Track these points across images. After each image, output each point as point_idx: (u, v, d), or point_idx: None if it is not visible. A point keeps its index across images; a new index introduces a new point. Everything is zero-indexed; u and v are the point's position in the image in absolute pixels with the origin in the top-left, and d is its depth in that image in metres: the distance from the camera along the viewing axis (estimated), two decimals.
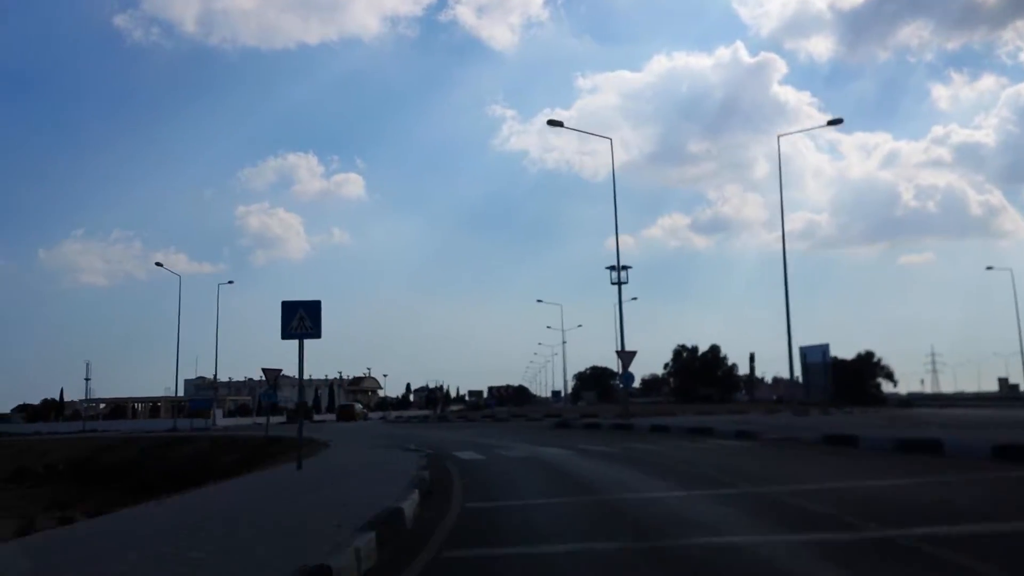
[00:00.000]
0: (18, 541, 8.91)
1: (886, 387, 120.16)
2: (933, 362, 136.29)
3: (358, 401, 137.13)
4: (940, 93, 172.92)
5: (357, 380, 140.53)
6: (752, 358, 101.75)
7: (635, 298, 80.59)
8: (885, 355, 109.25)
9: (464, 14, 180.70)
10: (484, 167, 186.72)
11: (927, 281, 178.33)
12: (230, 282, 72.85)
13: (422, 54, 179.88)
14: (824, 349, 33.58)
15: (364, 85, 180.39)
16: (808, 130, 50.03)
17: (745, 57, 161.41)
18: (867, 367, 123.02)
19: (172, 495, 13.64)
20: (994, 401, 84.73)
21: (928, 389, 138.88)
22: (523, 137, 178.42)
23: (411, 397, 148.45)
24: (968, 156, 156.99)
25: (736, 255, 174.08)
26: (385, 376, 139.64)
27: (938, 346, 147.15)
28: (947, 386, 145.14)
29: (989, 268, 62.17)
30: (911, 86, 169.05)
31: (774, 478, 12.77)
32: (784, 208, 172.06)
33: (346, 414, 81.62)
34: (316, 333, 14.36)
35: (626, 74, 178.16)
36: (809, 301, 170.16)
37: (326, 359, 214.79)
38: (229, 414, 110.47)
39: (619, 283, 36.77)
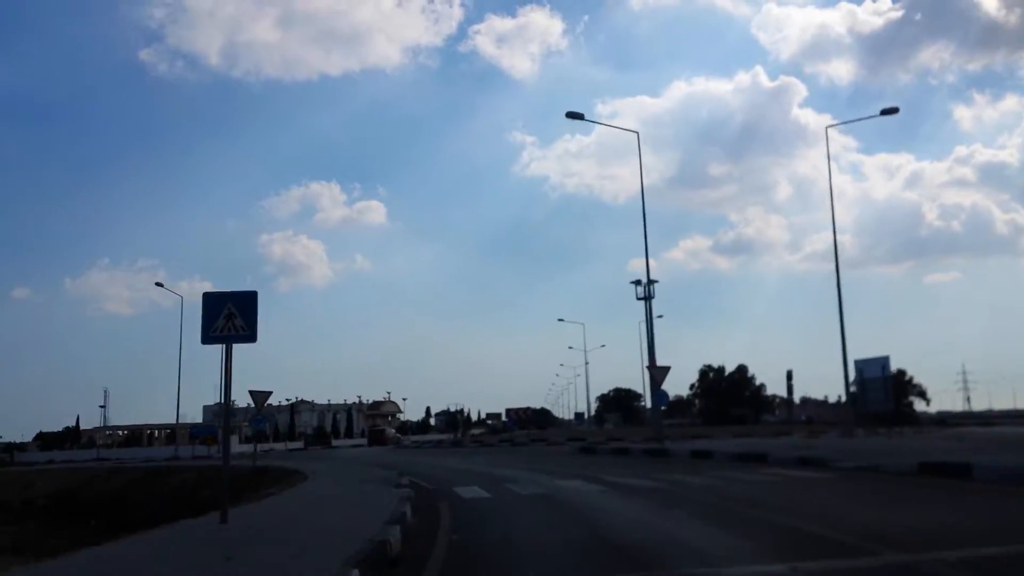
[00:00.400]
0: None
1: (918, 405, 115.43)
2: (964, 380, 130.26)
3: (379, 426, 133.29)
4: (962, 114, 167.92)
5: (376, 404, 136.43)
6: (790, 376, 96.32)
7: (661, 316, 76.56)
8: (916, 374, 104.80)
9: (484, 44, 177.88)
10: (504, 193, 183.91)
11: (954, 300, 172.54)
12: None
13: (442, 84, 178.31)
14: (884, 362, 29.18)
15: (386, 115, 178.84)
16: (859, 120, 45.35)
17: (765, 81, 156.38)
18: (899, 386, 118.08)
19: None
20: None
21: (959, 407, 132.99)
22: (543, 163, 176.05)
23: (431, 421, 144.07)
24: (992, 175, 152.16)
25: (759, 277, 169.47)
26: (404, 400, 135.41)
27: (969, 364, 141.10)
28: (979, 404, 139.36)
29: None
30: (933, 108, 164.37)
31: (911, 532, 8.53)
32: (808, 228, 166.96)
33: (378, 439, 78.35)
34: (250, 335, 10.31)
35: (646, 99, 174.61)
36: (835, 321, 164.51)
37: (345, 383, 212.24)
38: (246, 440, 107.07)
39: (647, 296, 32.62)
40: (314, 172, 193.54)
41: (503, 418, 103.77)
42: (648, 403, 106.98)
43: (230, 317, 10.16)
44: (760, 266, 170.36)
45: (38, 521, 31.04)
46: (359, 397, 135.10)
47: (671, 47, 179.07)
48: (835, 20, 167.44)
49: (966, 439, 28.75)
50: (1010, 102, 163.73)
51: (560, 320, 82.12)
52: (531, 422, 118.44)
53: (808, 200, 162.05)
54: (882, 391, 29.94)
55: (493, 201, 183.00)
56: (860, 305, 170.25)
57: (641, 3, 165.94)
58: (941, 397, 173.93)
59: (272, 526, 10.05)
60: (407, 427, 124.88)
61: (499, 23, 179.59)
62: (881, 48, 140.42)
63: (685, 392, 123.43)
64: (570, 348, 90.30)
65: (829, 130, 35.26)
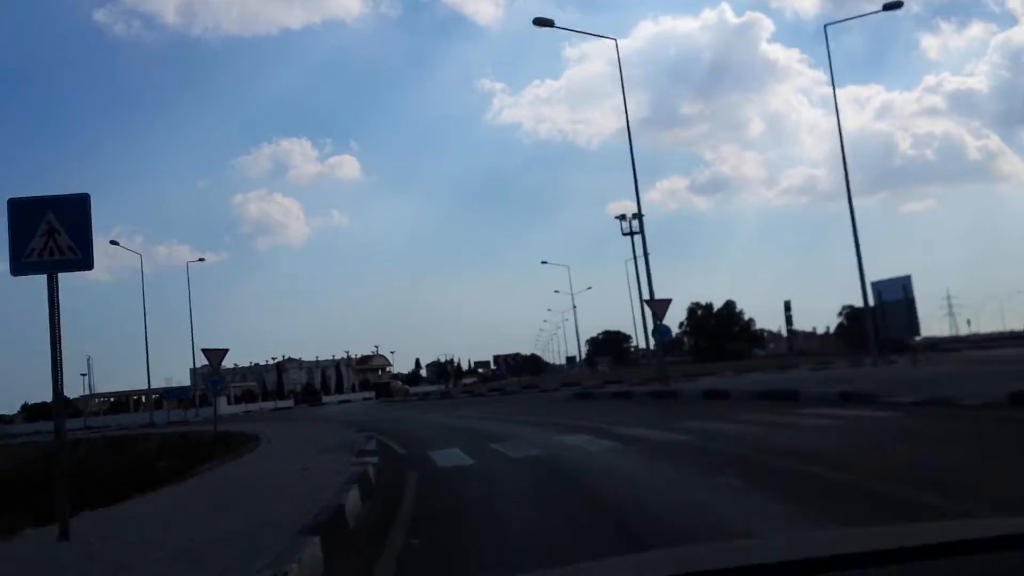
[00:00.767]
0: None
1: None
2: (950, 305, 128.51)
3: (383, 379, 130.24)
4: (930, 43, 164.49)
5: (365, 359, 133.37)
6: (788, 306, 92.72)
7: (648, 253, 73.59)
8: None
9: None
10: (478, 141, 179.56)
11: (932, 227, 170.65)
12: (201, 259, 64.02)
13: (407, 33, 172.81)
14: (905, 283, 25.89)
15: (351, 67, 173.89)
16: (861, 16, 41.15)
17: (731, 18, 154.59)
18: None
19: None
20: None
21: (945, 333, 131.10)
22: (514, 110, 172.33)
23: (422, 372, 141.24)
24: (962, 103, 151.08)
25: (737, 214, 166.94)
26: (393, 353, 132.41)
27: (953, 290, 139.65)
28: (964, 329, 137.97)
29: None
30: (900, 38, 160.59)
31: None
32: (783, 163, 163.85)
33: (385, 392, 76.14)
34: (83, 260, 6.70)
35: (613, 41, 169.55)
36: (814, 254, 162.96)
37: (333, 340, 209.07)
38: (236, 401, 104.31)
39: (640, 228, 29.11)
40: (283, 129, 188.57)
41: (492, 366, 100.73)
42: (641, 342, 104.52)
43: (51, 234, 6.55)
44: (738, 203, 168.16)
45: None
46: (347, 352, 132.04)
47: None
48: None
49: (997, 362, 25.68)
50: (976, 29, 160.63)
51: (543, 263, 78.35)
52: (522, 369, 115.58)
53: (781, 135, 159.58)
54: (904, 314, 26.62)
55: (467, 150, 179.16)
56: (838, 237, 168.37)
57: None
58: (928, 323, 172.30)
59: (132, 542, 6.60)
60: (399, 379, 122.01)
61: None
62: None
63: (674, 331, 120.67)
64: (556, 292, 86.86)
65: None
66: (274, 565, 4.87)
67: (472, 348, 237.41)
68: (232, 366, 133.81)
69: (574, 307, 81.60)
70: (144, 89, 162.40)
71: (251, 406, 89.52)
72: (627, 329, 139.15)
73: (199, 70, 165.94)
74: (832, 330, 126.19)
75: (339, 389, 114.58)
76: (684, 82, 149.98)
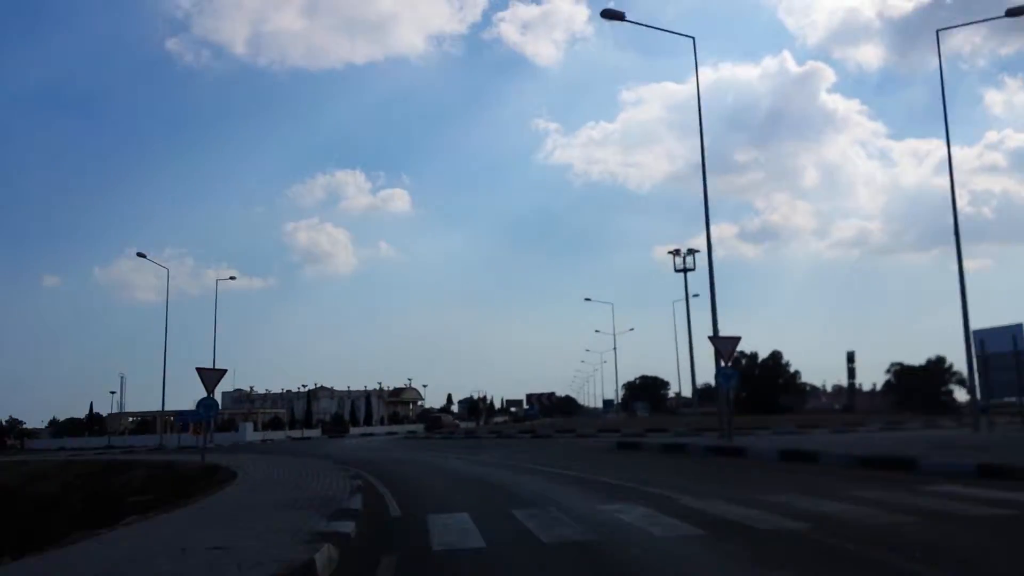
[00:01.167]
0: None
1: (959, 394, 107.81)
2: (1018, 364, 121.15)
3: (397, 411, 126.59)
4: (994, 98, 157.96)
5: (397, 391, 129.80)
6: (851, 358, 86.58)
7: (696, 295, 69.35)
8: (955, 362, 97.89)
9: (508, 31, 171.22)
10: (528, 181, 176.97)
11: (987, 287, 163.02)
12: (232, 278, 60.80)
13: (467, 71, 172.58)
14: (1015, 331, 21.39)
15: (410, 103, 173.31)
16: (982, 21, 36.53)
17: (792, 67, 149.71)
18: (937, 373, 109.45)
19: None
20: None
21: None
22: (567, 150, 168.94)
23: (453, 408, 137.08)
24: None
25: (785, 264, 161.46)
26: (425, 387, 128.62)
27: None
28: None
29: None
30: (964, 92, 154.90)
31: None
32: (835, 215, 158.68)
33: (436, 425, 72.78)
34: None
35: (671, 86, 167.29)
36: (864, 309, 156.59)
37: (366, 370, 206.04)
38: (265, 427, 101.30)
39: (709, 250, 25.01)
40: (339, 160, 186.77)
41: (524, 404, 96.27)
42: (682, 389, 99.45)
43: None
44: (787, 253, 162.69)
45: None
46: (379, 384, 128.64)
47: (697, 32, 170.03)
48: (864, 4, 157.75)
49: None
50: None
51: (587, 300, 74.35)
52: (555, 409, 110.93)
53: (836, 186, 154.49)
54: (1013, 369, 22.23)
55: (516, 189, 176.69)
56: (889, 293, 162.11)
57: None
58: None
59: None
60: (428, 415, 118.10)
61: (524, 10, 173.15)
62: (911, 32, 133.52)
63: (715, 381, 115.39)
64: (597, 332, 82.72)
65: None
66: None
67: (505, 386, 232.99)
68: (264, 392, 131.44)
69: (615, 349, 77.43)
70: (209, 116, 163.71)
71: (276, 434, 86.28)
72: (665, 375, 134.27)
73: (263, 100, 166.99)
74: (878, 387, 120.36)
75: (368, 420, 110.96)
76: (740, 129, 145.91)
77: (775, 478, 13.52)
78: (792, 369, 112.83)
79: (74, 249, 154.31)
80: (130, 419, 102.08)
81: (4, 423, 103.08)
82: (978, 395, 24.64)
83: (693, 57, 24.87)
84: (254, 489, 13.87)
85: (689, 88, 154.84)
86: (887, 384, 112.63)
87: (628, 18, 25.27)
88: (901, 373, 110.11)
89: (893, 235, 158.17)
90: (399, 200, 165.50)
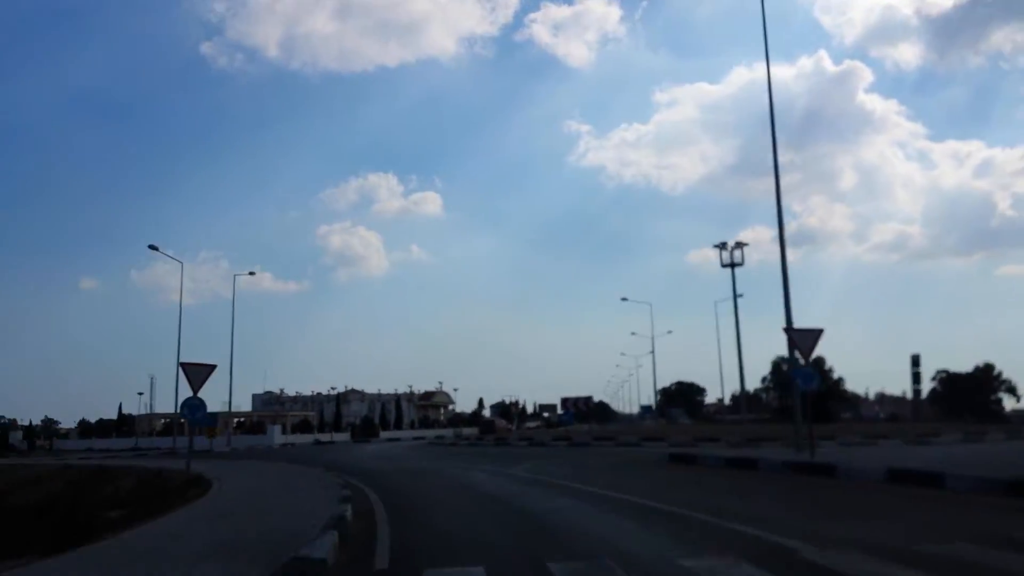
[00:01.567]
0: None
1: (1007, 402, 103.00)
2: None
3: (428, 415, 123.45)
4: None
5: (428, 395, 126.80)
6: (916, 362, 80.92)
7: (741, 295, 65.81)
8: (1004, 368, 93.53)
9: (540, 32, 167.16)
10: (560, 183, 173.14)
11: None
12: (251, 273, 57.59)
13: (498, 73, 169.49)
14: None
15: (442, 105, 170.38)
16: None
17: (829, 66, 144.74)
18: (986, 381, 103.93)
19: None
20: None
21: None
22: (600, 152, 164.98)
23: (485, 413, 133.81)
24: None
25: (823, 268, 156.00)
26: (456, 390, 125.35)
27: None
28: None
29: None
30: (1005, 92, 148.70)
31: None
32: (874, 218, 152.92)
33: (490, 430, 70.72)
34: None
35: (705, 86, 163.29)
36: (904, 314, 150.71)
37: (397, 373, 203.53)
38: (294, 430, 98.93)
39: (781, 234, 21.43)
40: (372, 163, 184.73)
41: (558, 410, 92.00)
42: (721, 394, 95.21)
43: None
44: (824, 257, 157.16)
45: None
46: (410, 387, 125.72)
47: (731, 32, 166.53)
48: (902, 2, 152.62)
49: None
50: None
51: (624, 299, 70.46)
52: (589, 415, 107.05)
53: (874, 189, 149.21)
54: None
55: (549, 191, 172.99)
56: (930, 298, 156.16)
57: None
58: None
59: None
60: (459, 419, 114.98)
61: (556, 11, 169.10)
62: (950, 30, 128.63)
63: (755, 386, 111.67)
64: (633, 334, 78.77)
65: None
66: None
67: (537, 391, 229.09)
68: (294, 394, 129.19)
69: (652, 352, 73.47)
70: (243, 119, 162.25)
71: (304, 437, 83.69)
72: (700, 381, 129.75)
73: (296, 103, 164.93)
74: (920, 395, 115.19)
75: (398, 424, 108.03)
76: (776, 130, 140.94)
77: (902, 511, 9.92)
78: (836, 376, 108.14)
79: (111, 252, 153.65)
80: (162, 420, 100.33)
81: (35, 423, 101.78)
82: None
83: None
84: (207, 517, 10.58)
85: (724, 88, 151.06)
86: (933, 392, 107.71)
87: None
88: (948, 381, 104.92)
89: (933, 239, 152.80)
90: (431, 203, 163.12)
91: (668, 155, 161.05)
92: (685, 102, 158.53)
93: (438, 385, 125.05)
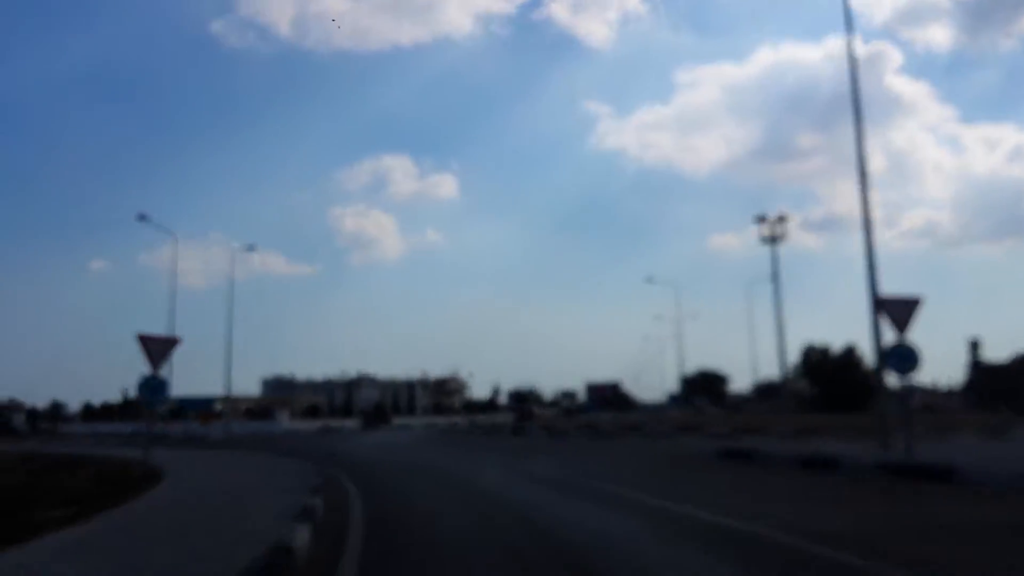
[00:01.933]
0: None
1: None
2: None
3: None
4: None
5: (442, 381, 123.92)
6: (975, 346, 77.01)
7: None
8: None
9: (558, 12, 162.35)
10: (579, 165, 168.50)
11: None
12: (250, 248, 54.00)
13: (516, 53, 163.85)
14: None
15: (457, 85, 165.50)
16: None
17: (857, 47, 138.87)
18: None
19: None
20: None
21: None
22: (620, 135, 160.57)
23: (499, 399, 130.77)
24: None
25: (851, 255, 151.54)
26: (471, 375, 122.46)
27: None
28: None
29: None
30: None
31: None
32: (904, 204, 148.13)
33: (528, 416, 67.79)
34: None
35: (729, 67, 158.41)
36: (934, 303, 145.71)
37: (410, 359, 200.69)
38: (304, 415, 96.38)
39: (862, 168, 17.86)
40: (386, 144, 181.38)
41: (579, 397, 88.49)
42: (742, 383, 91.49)
43: None
44: (852, 244, 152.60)
45: None
46: (423, 372, 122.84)
47: (756, 11, 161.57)
48: None
49: None
50: None
51: (649, 281, 66.99)
52: (611, 403, 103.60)
53: (904, 174, 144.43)
54: None
55: (567, 174, 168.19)
56: (961, 286, 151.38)
57: None
58: None
59: None
60: (473, 405, 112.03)
61: None
62: (982, 12, 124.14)
63: (782, 375, 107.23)
64: (657, 318, 75.31)
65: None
66: None
67: (554, 377, 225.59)
68: (305, 379, 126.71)
69: (676, 337, 69.97)
70: (254, 98, 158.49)
71: (313, 423, 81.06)
72: (725, 367, 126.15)
73: (308, 82, 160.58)
74: (951, 387, 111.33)
75: (411, 410, 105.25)
76: (801, 113, 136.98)
77: None
78: (870, 365, 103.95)
79: (120, 234, 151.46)
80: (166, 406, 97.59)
81: (35, 407, 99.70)
82: None
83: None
84: (105, 537, 7.35)
85: (748, 69, 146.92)
86: (968, 382, 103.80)
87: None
88: (983, 371, 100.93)
89: (963, 226, 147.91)
90: (447, 185, 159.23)
91: (690, 138, 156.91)
92: (708, 83, 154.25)
93: (453, 371, 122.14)
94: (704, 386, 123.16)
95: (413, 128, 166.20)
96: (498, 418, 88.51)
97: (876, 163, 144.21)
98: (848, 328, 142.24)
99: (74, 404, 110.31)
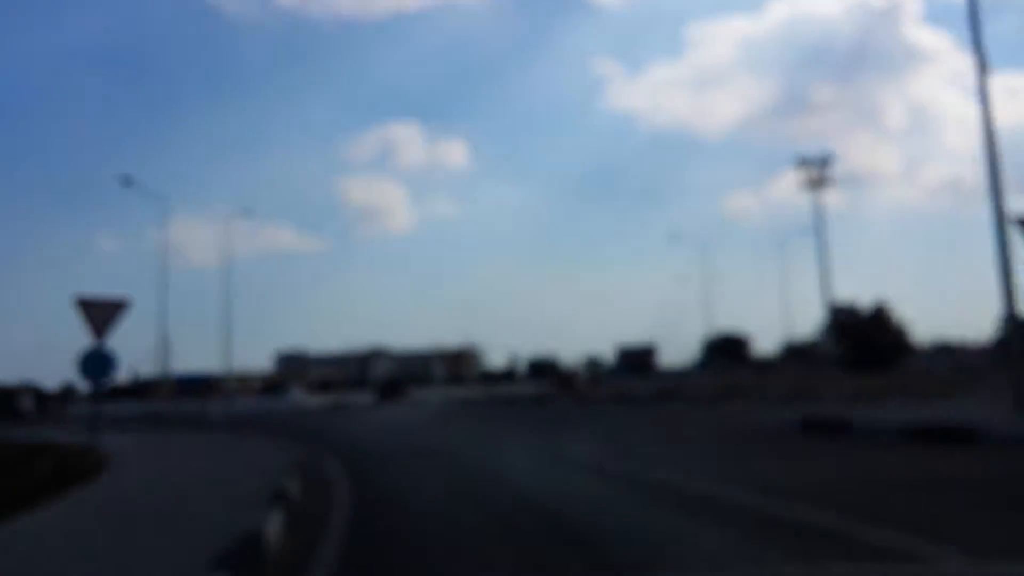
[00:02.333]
0: None
1: None
2: None
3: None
4: None
5: (458, 353, 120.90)
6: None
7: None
8: None
9: None
10: (590, 127, 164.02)
11: None
12: (246, 213, 50.99)
13: (521, 14, 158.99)
14: None
15: (464, 50, 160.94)
16: None
17: None
18: None
19: None
20: None
21: None
22: (631, 96, 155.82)
23: (517, 369, 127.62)
24: None
25: (871, 210, 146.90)
26: (487, 346, 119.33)
27: None
28: None
29: None
30: None
31: None
32: (924, 157, 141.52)
33: (567, 386, 63.97)
34: None
35: (742, 22, 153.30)
36: (958, 260, 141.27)
37: (425, 330, 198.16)
38: (319, 388, 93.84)
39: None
40: (393, 113, 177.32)
41: (604, 363, 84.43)
42: (765, 345, 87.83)
43: None
44: (871, 200, 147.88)
45: None
46: (439, 344, 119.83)
47: None
48: None
49: None
50: None
51: (673, 239, 63.63)
52: (636, 369, 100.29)
53: (924, 126, 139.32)
54: None
55: (578, 136, 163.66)
56: (986, 241, 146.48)
57: None
58: None
59: None
60: (491, 376, 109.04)
61: None
62: None
63: (813, 335, 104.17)
64: (679, 278, 71.71)
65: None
66: None
67: (572, 345, 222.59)
68: (319, 354, 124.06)
69: (701, 299, 66.56)
70: (258, 69, 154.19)
71: (325, 398, 78.44)
72: (745, 331, 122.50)
73: (313, 51, 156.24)
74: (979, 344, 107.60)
75: (427, 382, 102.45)
76: (818, 67, 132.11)
77: None
78: (898, 323, 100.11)
79: (128, 212, 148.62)
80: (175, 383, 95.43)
81: (44, 389, 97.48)
82: None
83: None
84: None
85: (763, 24, 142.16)
86: (999, 342, 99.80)
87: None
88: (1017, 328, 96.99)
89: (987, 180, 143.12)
90: (456, 152, 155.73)
91: (705, 95, 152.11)
92: (720, 39, 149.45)
93: (468, 342, 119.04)
94: (726, 349, 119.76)
95: (421, 95, 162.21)
96: (517, 389, 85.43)
97: (894, 116, 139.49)
98: (873, 286, 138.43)
99: (84, 386, 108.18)
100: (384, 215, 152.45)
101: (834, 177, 50.76)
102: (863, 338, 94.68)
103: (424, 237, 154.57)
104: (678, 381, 68.01)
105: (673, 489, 7.97)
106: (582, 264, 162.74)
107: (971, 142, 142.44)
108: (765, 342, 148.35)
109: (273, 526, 6.14)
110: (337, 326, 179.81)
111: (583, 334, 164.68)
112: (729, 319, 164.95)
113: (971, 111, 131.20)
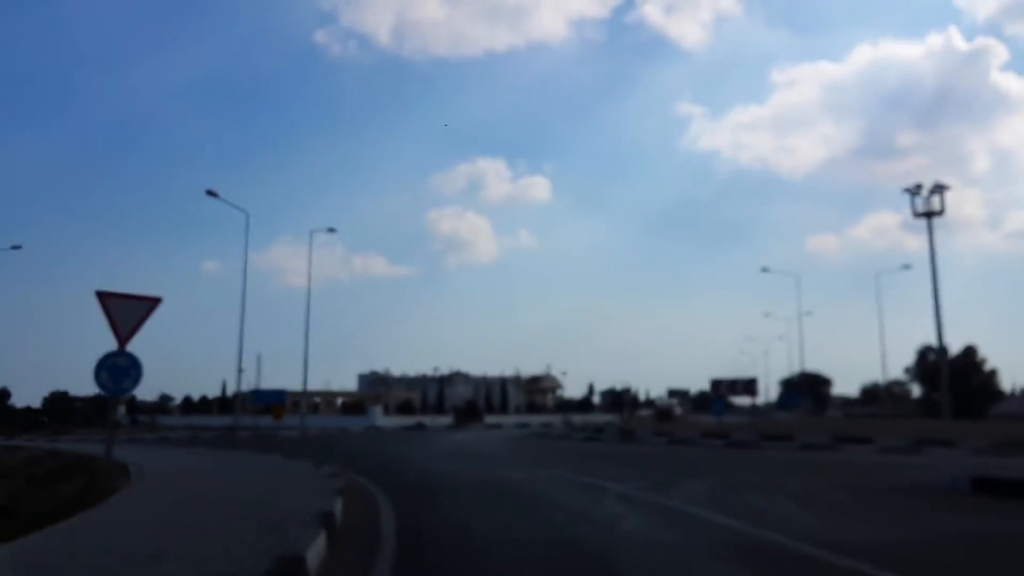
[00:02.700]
0: None
1: None
2: None
3: (535, 399, 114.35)
4: None
5: (535, 379, 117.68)
6: None
7: (909, 266, 55.00)
8: None
9: (651, 13, 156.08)
10: (672, 167, 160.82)
11: None
12: (331, 230, 49.21)
13: (608, 56, 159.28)
14: None
15: (551, 89, 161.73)
16: None
17: (960, 43, 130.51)
18: None
19: None
20: None
21: None
22: (714, 136, 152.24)
23: (594, 398, 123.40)
24: None
25: (954, 256, 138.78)
26: (564, 374, 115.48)
27: None
28: None
29: None
30: None
31: None
32: (1009, 204, 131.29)
33: (666, 418, 64.45)
34: None
35: (826, 65, 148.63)
36: None
37: (503, 357, 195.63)
38: (399, 410, 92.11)
39: None
40: (480, 148, 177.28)
41: (705, 393, 78.54)
42: (844, 389, 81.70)
43: None
44: (955, 244, 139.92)
45: None
46: (517, 370, 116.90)
47: (855, 7, 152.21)
48: None
49: None
50: None
51: (764, 270, 60.01)
52: (700, 406, 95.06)
53: (1010, 173, 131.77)
54: None
55: (660, 175, 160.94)
56: None
57: None
58: None
59: None
60: (568, 404, 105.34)
61: None
62: None
63: (900, 377, 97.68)
64: (767, 316, 67.22)
65: None
66: None
67: (648, 378, 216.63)
68: (399, 375, 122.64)
69: (795, 330, 61.90)
70: (355, 106, 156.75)
71: (406, 419, 76.41)
72: (828, 371, 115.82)
73: (406, 89, 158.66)
74: None
75: (504, 408, 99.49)
76: (902, 111, 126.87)
77: None
78: (988, 368, 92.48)
79: (232, 237, 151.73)
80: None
81: (139, 399, 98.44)
82: None
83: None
84: None
85: (847, 68, 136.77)
86: None
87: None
88: None
89: None
90: (540, 188, 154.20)
91: (786, 137, 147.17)
92: (805, 82, 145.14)
93: (546, 368, 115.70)
94: (807, 388, 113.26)
95: (507, 132, 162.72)
96: (592, 418, 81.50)
97: (979, 162, 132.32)
98: (961, 330, 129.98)
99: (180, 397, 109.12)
100: (469, 246, 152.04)
101: (941, 209, 46.17)
102: (953, 382, 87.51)
103: (506, 268, 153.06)
104: (759, 419, 63.16)
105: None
106: (660, 300, 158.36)
107: None
108: (843, 384, 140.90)
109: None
110: (419, 350, 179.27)
111: (657, 367, 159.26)
112: (810, 359, 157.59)
113: None
